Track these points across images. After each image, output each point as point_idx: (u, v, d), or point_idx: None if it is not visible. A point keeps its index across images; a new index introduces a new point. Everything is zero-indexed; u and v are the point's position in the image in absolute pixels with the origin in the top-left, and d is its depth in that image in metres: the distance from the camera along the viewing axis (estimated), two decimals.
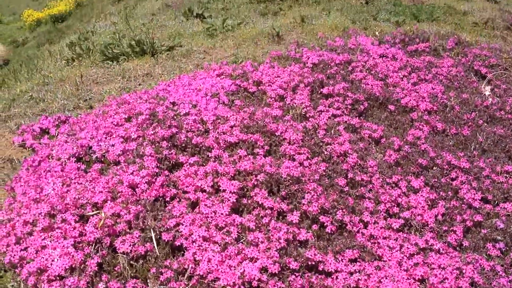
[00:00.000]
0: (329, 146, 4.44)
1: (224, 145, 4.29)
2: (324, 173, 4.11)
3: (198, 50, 7.58)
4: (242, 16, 9.92)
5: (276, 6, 10.69)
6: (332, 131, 4.70)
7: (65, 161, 4.04)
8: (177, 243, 3.25)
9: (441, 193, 4.16)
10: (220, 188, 3.73)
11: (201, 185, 3.73)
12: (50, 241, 3.14)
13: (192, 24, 9.69)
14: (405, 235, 3.66)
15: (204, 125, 4.54)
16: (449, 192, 4.19)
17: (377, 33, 7.81)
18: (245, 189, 3.80)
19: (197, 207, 3.57)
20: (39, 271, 2.97)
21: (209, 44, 7.91)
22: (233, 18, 9.65)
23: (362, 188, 4.05)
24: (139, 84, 6.29)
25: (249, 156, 4.14)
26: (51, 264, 2.99)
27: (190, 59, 7.23)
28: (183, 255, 3.22)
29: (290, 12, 10.15)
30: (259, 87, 5.41)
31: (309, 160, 4.21)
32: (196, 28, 9.22)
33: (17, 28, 23.99)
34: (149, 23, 10.17)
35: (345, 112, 5.06)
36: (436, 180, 4.29)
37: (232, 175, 3.88)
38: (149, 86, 5.98)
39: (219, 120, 4.58)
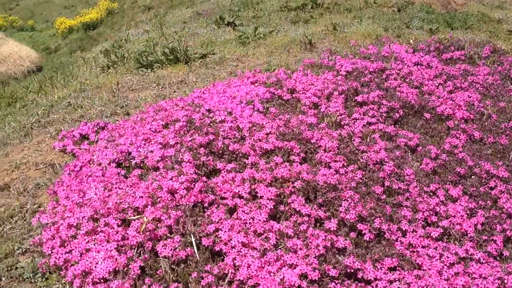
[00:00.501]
0: (364, 154, 4.43)
1: (260, 152, 4.32)
2: (360, 181, 4.10)
3: (231, 57, 7.66)
4: (273, 24, 9.98)
5: (307, 14, 10.72)
6: (368, 139, 4.69)
7: (105, 166, 4.13)
8: (217, 248, 3.29)
9: (480, 202, 4.11)
10: (257, 194, 3.75)
11: (239, 191, 3.76)
12: (94, 244, 3.22)
13: (223, 32, 9.79)
14: (444, 244, 3.62)
15: (240, 132, 4.58)
16: (488, 201, 4.14)
17: (411, 41, 7.76)
18: (282, 196, 3.82)
19: (235, 213, 3.60)
20: (84, 273, 3.04)
21: (242, 52, 7.98)
22: (264, 26, 9.72)
23: (399, 196, 4.03)
24: (174, 91, 6.38)
25: (285, 163, 4.16)
26: (95, 267, 3.05)
27: (223, 66, 7.30)
28: (222, 260, 3.25)
29: (321, 20, 10.16)
30: (293, 95, 5.44)
31: (345, 168, 4.21)
32: (228, 36, 9.31)
33: (49, 35, 24.60)
34: (181, 31, 10.32)
35: (380, 120, 5.04)
36: (474, 189, 4.24)
37: (269, 181, 3.90)
38: (184, 93, 6.06)
39: (254, 127, 4.62)
